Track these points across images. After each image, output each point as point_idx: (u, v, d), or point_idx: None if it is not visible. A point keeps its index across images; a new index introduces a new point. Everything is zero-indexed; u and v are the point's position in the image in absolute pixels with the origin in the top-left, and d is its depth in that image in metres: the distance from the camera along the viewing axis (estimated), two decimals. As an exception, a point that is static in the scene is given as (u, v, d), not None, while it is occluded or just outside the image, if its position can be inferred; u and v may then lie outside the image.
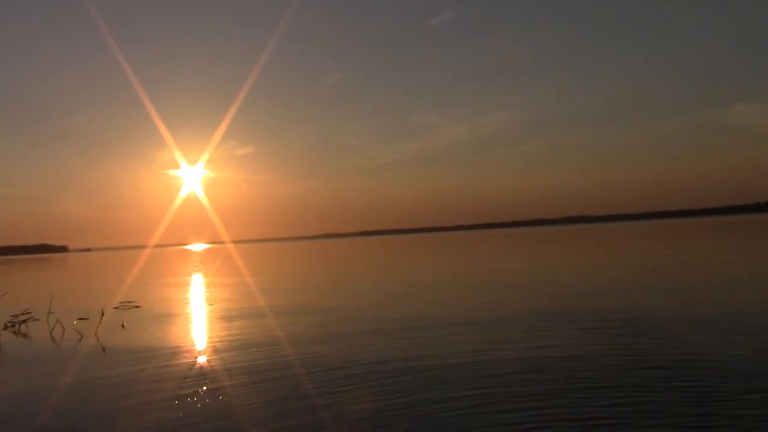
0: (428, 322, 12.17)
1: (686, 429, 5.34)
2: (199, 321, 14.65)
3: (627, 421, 5.59)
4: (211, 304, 18.04)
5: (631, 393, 6.43)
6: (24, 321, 15.03)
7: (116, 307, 17.58)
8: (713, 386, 6.56)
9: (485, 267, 29.73)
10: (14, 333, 14.03)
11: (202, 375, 8.43)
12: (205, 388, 7.66)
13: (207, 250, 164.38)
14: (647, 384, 6.75)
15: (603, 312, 12.14)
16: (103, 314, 14.77)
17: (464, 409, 6.21)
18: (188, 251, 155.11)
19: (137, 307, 17.77)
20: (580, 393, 6.53)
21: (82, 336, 12.80)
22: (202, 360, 9.57)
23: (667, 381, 6.84)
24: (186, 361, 9.52)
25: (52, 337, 12.95)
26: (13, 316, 15.30)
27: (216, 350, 10.34)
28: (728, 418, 5.53)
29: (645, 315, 11.54)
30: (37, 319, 15.31)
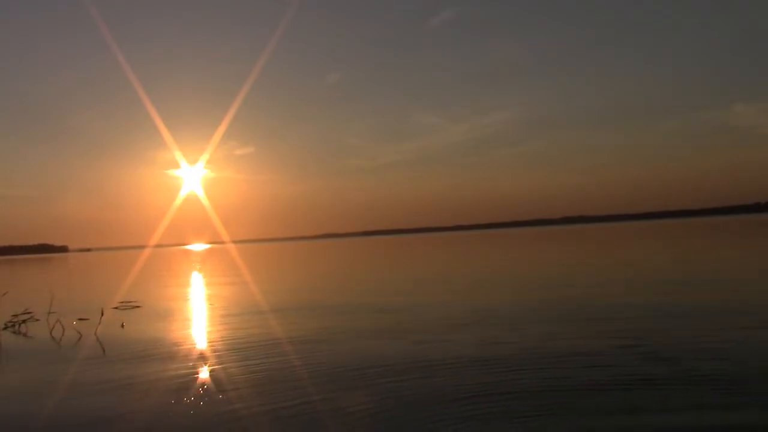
0: (431, 322, 12.16)
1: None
2: (199, 321, 14.64)
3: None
4: (211, 304, 18.04)
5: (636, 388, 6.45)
6: (24, 321, 15.02)
7: (116, 307, 17.57)
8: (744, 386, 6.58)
9: (486, 267, 29.74)
10: (14, 333, 14.03)
11: (202, 375, 8.42)
12: (206, 387, 7.66)
13: (207, 250, 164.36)
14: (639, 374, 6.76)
15: (607, 308, 12.16)
16: (102, 314, 14.76)
17: (472, 411, 6.21)
18: (188, 251, 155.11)
19: (137, 307, 17.76)
20: (587, 394, 6.55)
21: (81, 336, 12.80)
22: (202, 360, 9.57)
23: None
24: (186, 360, 9.51)
25: (53, 337, 12.95)
26: (13, 315, 15.29)
27: (216, 350, 10.34)
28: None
29: (642, 311, 11.57)
30: (38, 319, 15.31)
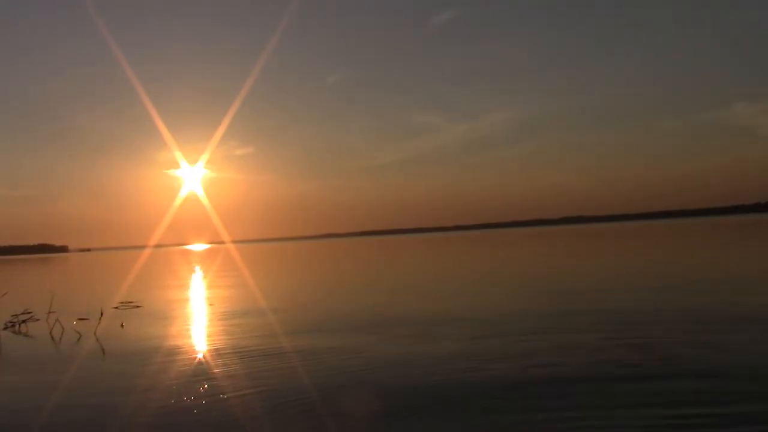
0: (427, 322, 12.18)
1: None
2: (198, 321, 14.67)
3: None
4: (211, 304, 18.07)
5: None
6: (24, 321, 15.05)
7: (116, 308, 17.59)
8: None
9: (484, 267, 29.78)
10: (14, 333, 14.05)
11: (202, 375, 8.45)
12: (206, 386, 7.68)
13: (207, 250, 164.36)
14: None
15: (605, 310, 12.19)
16: (102, 314, 14.79)
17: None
18: (188, 251, 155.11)
19: (137, 307, 17.78)
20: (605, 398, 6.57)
21: (81, 336, 12.82)
22: (201, 360, 9.60)
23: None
24: (185, 361, 9.54)
25: (52, 337, 12.98)
26: (13, 315, 15.32)
27: (215, 350, 10.36)
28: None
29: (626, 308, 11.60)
30: (38, 319, 15.33)
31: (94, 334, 12.98)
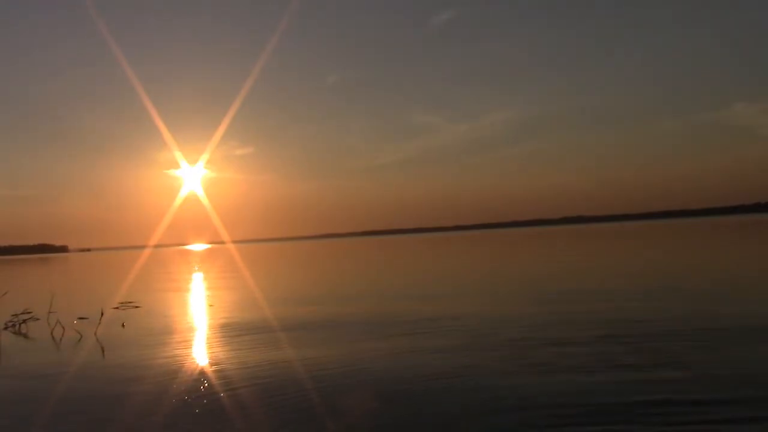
0: (424, 321, 12.19)
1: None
2: (198, 321, 14.67)
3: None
4: (211, 305, 18.08)
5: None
6: (24, 321, 15.05)
7: (116, 307, 17.59)
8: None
9: (484, 267, 29.79)
10: (14, 333, 14.06)
11: (202, 375, 8.46)
12: (206, 385, 7.69)
13: (207, 250, 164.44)
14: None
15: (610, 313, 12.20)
16: (102, 314, 14.79)
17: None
18: (188, 251, 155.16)
19: (137, 307, 17.78)
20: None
21: (81, 336, 12.83)
22: (201, 360, 9.60)
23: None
24: (185, 360, 9.55)
25: (52, 337, 12.98)
26: (13, 315, 15.32)
27: (215, 349, 10.37)
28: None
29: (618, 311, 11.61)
30: (38, 319, 15.33)
31: (95, 334, 12.98)
